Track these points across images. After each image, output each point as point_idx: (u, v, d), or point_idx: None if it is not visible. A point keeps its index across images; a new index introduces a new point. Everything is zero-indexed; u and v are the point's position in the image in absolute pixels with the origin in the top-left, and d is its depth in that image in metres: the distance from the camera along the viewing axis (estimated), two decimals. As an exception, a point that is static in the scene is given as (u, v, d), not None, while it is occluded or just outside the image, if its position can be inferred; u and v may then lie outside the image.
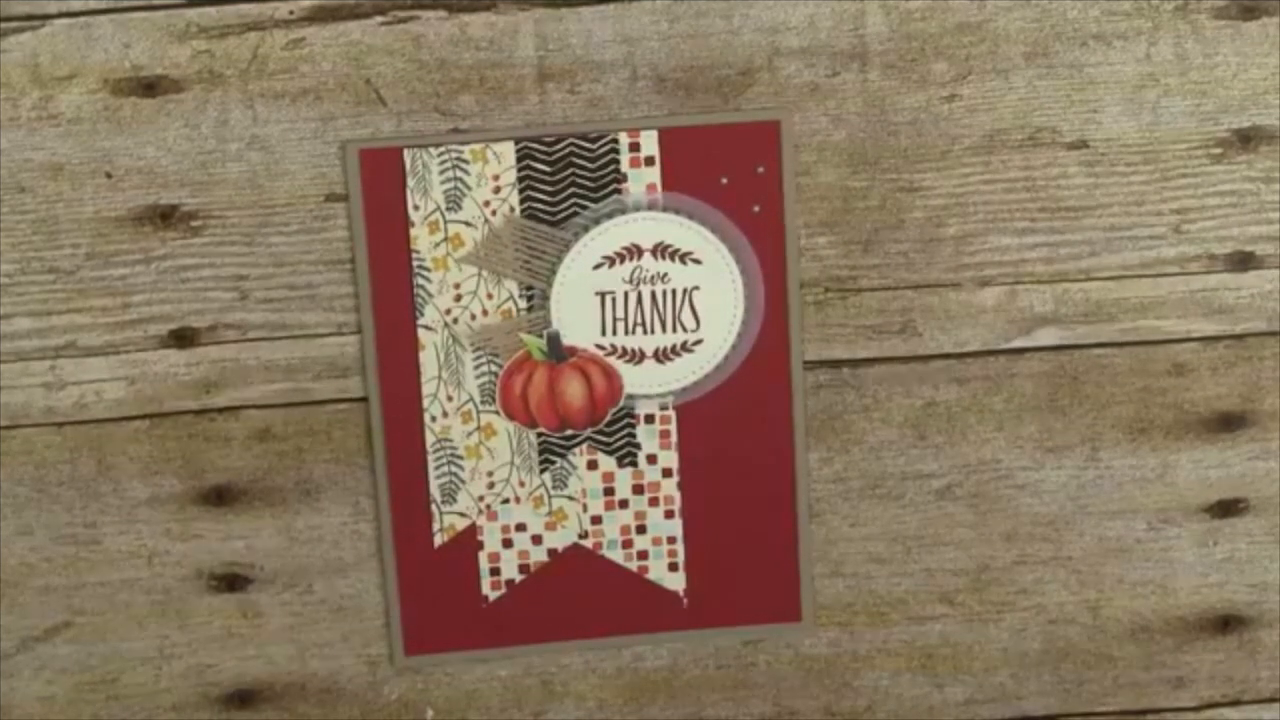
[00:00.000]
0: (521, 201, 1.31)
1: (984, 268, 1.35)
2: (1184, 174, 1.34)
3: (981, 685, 1.44)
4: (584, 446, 1.36)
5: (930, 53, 1.31)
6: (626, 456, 1.36)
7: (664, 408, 1.36)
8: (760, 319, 1.34)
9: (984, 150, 1.33)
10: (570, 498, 1.37)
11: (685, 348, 1.34)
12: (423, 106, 1.29)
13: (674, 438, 1.36)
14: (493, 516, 1.37)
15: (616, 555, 1.38)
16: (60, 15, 1.27)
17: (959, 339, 1.37)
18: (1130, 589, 1.43)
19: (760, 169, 1.32)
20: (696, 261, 1.33)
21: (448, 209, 1.31)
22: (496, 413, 1.35)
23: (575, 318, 1.33)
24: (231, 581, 1.38)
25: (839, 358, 1.37)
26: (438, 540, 1.37)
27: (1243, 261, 1.36)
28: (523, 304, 1.33)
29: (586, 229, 1.32)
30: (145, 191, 1.30)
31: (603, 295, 1.33)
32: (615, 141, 1.31)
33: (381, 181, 1.30)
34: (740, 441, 1.37)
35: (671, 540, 1.38)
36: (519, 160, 1.31)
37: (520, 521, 1.37)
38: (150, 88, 1.28)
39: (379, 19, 1.28)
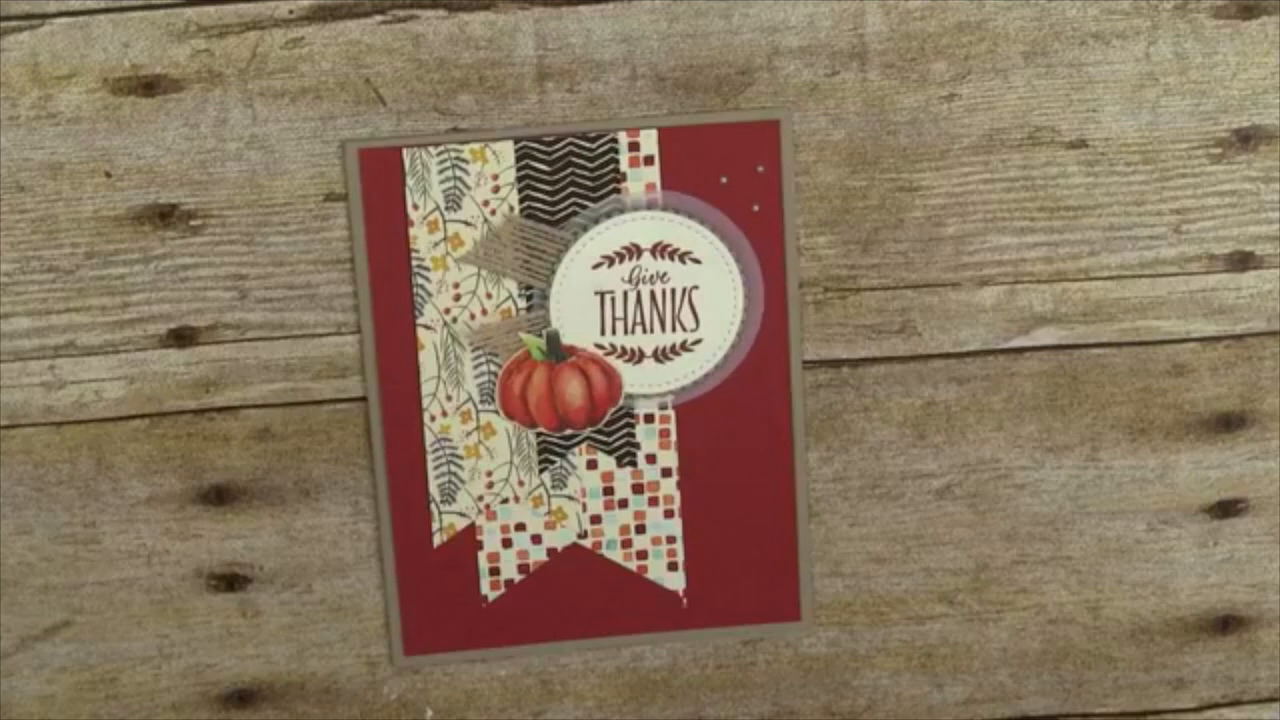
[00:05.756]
0: (521, 201, 1.31)
1: (983, 267, 1.35)
2: (1183, 174, 1.34)
3: (981, 685, 1.44)
4: (583, 446, 1.36)
5: (930, 52, 1.31)
6: (626, 456, 1.36)
7: (663, 407, 1.36)
8: (760, 318, 1.34)
9: (983, 150, 1.33)
10: (570, 497, 1.37)
11: (685, 347, 1.34)
12: (422, 106, 1.29)
13: (673, 437, 1.36)
14: (492, 516, 1.37)
15: (616, 555, 1.38)
16: (59, 14, 1.27)
17: (958, 339, 1.37)
18: (1130, 589, 1.43)
19: (760, 168, 1.32)
20: (696, 261, 1.33)
21: (447, 208, 1.31)
22: (496, 412, 1.35)
23: (574, 317, 1.33)
24: (231, 581, 1.38)
25: (839, 357, 1.37)
26: (437, 540, 1.37)
27: (1242, 261, 1.36)
28: (522, 303, 1.33)
29: (586, 228, 1.32)
30: (144, 191, 1.30)
31: (602, 295, 1.33)
32: (614, 141, 1.31)
33: (381, 181, 1.31)
34: (740, 441, 1.37)
35: (671, 540, 1.38)
36: (518, 160, 1.31)
37: (519, 521, 1.37)
38: (149, 87, 1.28)
39: (378, 18, 1.28)
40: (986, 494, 1.40)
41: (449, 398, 1.34)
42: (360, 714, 1.42)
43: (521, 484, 1.37)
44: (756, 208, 1.32)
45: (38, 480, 1.36)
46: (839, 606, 1.42)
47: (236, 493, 1.37)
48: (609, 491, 1.37)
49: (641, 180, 1.31)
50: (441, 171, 1.31)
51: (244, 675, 1.41)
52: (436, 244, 1.32)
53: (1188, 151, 1.34)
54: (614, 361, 1.35)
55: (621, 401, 1.35)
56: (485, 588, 1.39)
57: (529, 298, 1.33)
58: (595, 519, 1.38)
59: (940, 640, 1.43)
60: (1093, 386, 1.38)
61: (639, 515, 1.38)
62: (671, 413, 1.36)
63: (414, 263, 1.32)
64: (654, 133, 1.31)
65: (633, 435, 1.36)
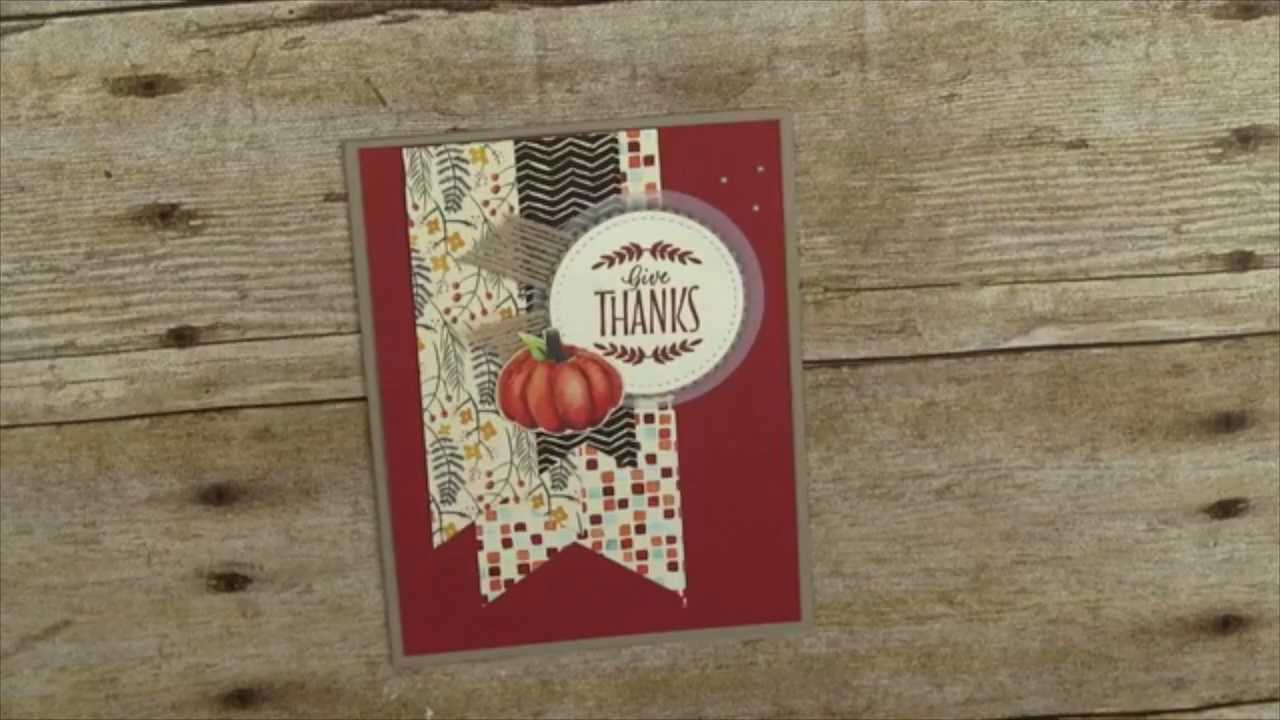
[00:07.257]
0: (521, 201, 1.31)
1: (983, 267, 1.35)
2: (1183, 174, 1.34)
3: (981, 685, 1.44)
4: (583, 446, 1.36)
5: (930, 52, 1.31)
6: (626, 456, 1.36)
7: (663, 407, 1.36)
8: (760, 318, 1.34)
9: (983, 150, 1.33)
10: (570, 497, 1.37)
11: (685, 347, 1.34)
12: (422, 106, 1.30)
13: (673, 437, 1.36)
14: (492, 516, 1.37)
15: (616, 555, 1.38)
16: (59, 14, 1.27)
17: (958, 339, 1.37)
18: (1130, 589, 1.43)
19: (760, 168, 1.32)
20: (696, 261, 1.33)
21: (447, 208, 1.31)
22: (496, 412, 1.35)
23: (574, 317, 1.33)
24: (231, 581, 1.38)
25: (839, 357, 1.37)
26: (437, 540, 1.37)
27: (1242, 261, 1.36)
28: (522, 303, 1.33)
29: (586, 228, 1.32)
30: (145, 191, 1.30)
31: (602, 295, 1.33)
32: (614, 141, 1.31)
33: (381, 181, 1.31)
34: (740, 441, 1.37)
35: (671, 540, 1.38)
36: (518, 160, 1.31)
37: (519, 521, 1.37)
38: (150, 87, 1.28)
39: (378, 18, 1.28)
40: (986, 494, 1.40)
41: (449, 398, 1.34)
42: (360, 714, 1.42)
43: (521, 484, 1.37)
44: (756, 208, 1.32)
45: (38, 480, 1.36)
46: (839, 606, 1.42)
47: (236, 493, 1.37)
48: (609, 491, 1.37)
49: (641, 180, 1.31)
50: (441, 171, 1.31)
51: (244, 675, 1.41)
52: (436, 244, 1.32)
53: (1188, 151, 1.34)
54: (614, 361, 1.35)
55: (621, 401, 1.35)
56: (485, 588, 1.39)
57: (529, 298, 1.33)
58: (595, 519, 1.38)
59: (940, 640, 1.43)
60: (1093, 386, 1.38)
61: (639, 515, 1.38)
62: (671, 413, 1.36)
63: (414, 263, 1.32)
64: (654, 133, 1.31)
65: (633, 435, 1.36)
